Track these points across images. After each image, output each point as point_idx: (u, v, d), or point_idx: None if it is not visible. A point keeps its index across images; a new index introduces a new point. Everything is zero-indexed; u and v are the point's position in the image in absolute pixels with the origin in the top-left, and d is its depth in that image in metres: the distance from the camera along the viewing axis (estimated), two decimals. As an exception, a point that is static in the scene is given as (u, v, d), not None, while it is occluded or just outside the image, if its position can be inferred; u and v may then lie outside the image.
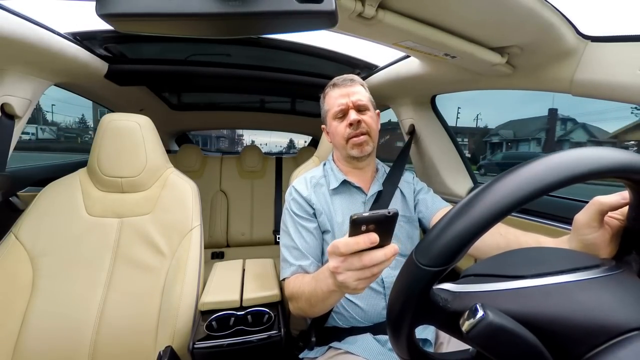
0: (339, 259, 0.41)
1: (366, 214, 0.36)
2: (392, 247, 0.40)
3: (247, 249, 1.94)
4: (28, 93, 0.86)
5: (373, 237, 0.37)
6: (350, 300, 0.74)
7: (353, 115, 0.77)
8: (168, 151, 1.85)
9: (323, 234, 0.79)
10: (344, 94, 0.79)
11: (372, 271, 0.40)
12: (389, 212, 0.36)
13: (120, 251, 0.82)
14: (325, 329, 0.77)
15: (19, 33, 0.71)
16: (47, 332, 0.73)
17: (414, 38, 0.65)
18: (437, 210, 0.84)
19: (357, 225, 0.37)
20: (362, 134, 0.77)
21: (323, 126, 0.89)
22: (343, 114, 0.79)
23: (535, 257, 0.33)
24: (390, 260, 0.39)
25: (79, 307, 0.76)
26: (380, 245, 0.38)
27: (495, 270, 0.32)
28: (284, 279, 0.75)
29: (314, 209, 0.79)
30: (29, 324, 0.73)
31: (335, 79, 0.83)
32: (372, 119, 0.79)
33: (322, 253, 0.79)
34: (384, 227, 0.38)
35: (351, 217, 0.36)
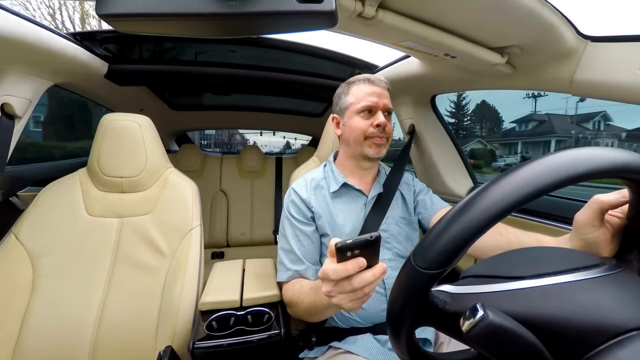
0: (330, 284, 0.42)
1: (349, 241, 0.37)
2: (380, 266, 0.41)
3: (247, 249, 1.94)
4: (28, 93, 0.86)
5: (361, 262, 0.39)
6: None
7: (382, 117, 0.75)
8: (168, 151, 1.85)
9: (321, 237, 0.78)
10: (377, 93, 0.77)
11: (363, 291, 0.41)
12: (371, 237, 0.37)
13: (120, 251, 0.82)
14: (325, 329, 0.77)
15: (18, 33, 0.71)
16: (47, 331, 0.73)
17: (414, 38, 0.65)
18: (436, 211, 0.84)
19: (343, 252, 0.38)
20: (383, 137, 0.78)
21: (335, 116, 0.84)
22: (371, 111, 0.77)
23: (534, 258, 0.33)
24: (379, 279, 0.40)
25: (79, 307, 0.76)
26: (369, 265, 0.40)
27: (494, 271, 0.32)
28: (280, 282, 0.75)
29: (312, 212, 0.78)
30: (29, 324, 0.73)
31: (369, 75, 0.80)
32: (391, 126, 0.80)
33: (321, 256, 0.78)
34: (369, 250, 0.39)
35: (335, 244, 0.38)
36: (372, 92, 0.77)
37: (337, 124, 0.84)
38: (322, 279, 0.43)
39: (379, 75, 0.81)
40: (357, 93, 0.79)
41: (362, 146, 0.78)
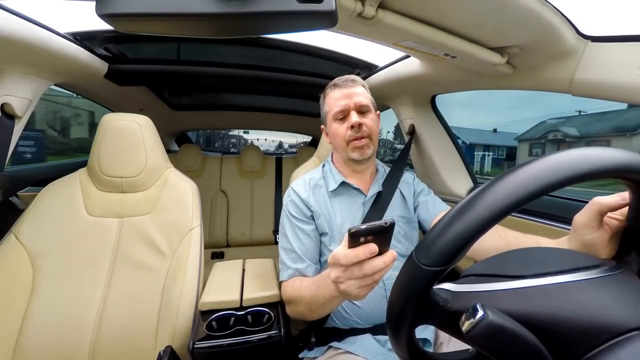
0: (339, 269, 0.42)
1: (363, 226, 0.37)
2: (391, 253, 0.40)
3: (247, 249, 1.94)
4: (28, 93, 0.86)
5: (372, 248, 0.38)
6: (351, 302, 0.74)
7: (355, 117, 0.75)
8: (168, 151, 1.85)
9: (321, 236, 0.78)
10: (345, 95, 0.77)
11: (373, 278, 0.41)
12: (385, 223, 0.37)
13: (120, 251, 0.82)
14: (325, 329, 0.77)
15: (19, 33, 0.71)
16: (47, 331, 0.73)
17: (414, 38, 0.65)
18: (437, 213, 0.83)
19: (355, 237, 0.38)
20: (363, 137, 0.76)
21: (322, 127, 0.88)
22: (344, 116, 0.78)
23: (535, 257, 0.33)
24: (389, 266, 0.40)
25: (79, 307, 0.76)
26: (379, 252, 0.39)
27: (495, 270, 0.32)
28: (282, 281, 0.75)
29: (311, 211, 0.78)
30: (29, 324, 0.73)
31: (336, 80, 0.81)
32: (373, 122, 0.78)
33: (320, 255, 0.78)
34: (382, 236, 0.39)
35: (349, 230, 0.37)
36: (341, 96, 0.78)
37: (326, 133, 0.86)
38: (332, 263, 0.43)
39: (349, 76, 0.82)
40: (329, 101, 0.81)
41: (346, 151, 0.79)
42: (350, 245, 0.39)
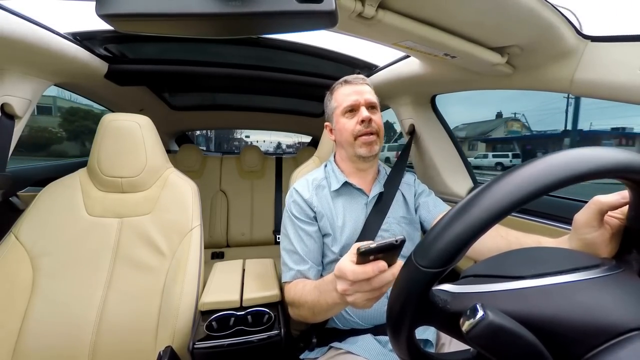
0: (347, 283, 0.41)
1: (373, 245, 0.36)
2: (399, 265, 0.40)
3: (247, 249, 1.94)
4: (28, 93, 0.86)
5: (382, 266, 0.38)
6: None
7: (365, 112, 0.76)
8: (168, 151, 1.85)
9: (324, 237, 0.78)
10: (356, 91, 0.78)
11: (381, 291, 0.41)
12: (396, 241, 0.37)
13: (120, 251, 0.82)
14: (326, 330, 0.77)
15: (19, 33, 0.71)
16: (47, 332, 0.73)
17: (414, 38, 0.65)
18: (438, 214, 0.83)
19: (365, 256, 0.38)
20: (372, 133, 0.77)
21: (327, 123, 0.87)
22: (353, 110, 0.78)
23: (535, 257, 0.33)
24: None
25: (79, 307, 0.76)
26: (388, 265, 0.39)
27: (494, 270, 0.32)
28: (284, 283, 0.75)
29: (314, 212, 0.78)
30: (29, 324, 0.73)
31: (347, 77, 0.82)
32: (380, 120, 0.79)
33: (323, 256, 0.78)
34: (391, 252, 0.38)
35: (358, 249, 0.37)
36: (352, 92, 0.79)
37: (330, 130, 0.86)
38: (339, 277, 0.42)
39: (358, 75, 0.83)
40: (338, 97, 0.82)
41: (353, 147, 0.78)
42: (358, 261, 0.39)
